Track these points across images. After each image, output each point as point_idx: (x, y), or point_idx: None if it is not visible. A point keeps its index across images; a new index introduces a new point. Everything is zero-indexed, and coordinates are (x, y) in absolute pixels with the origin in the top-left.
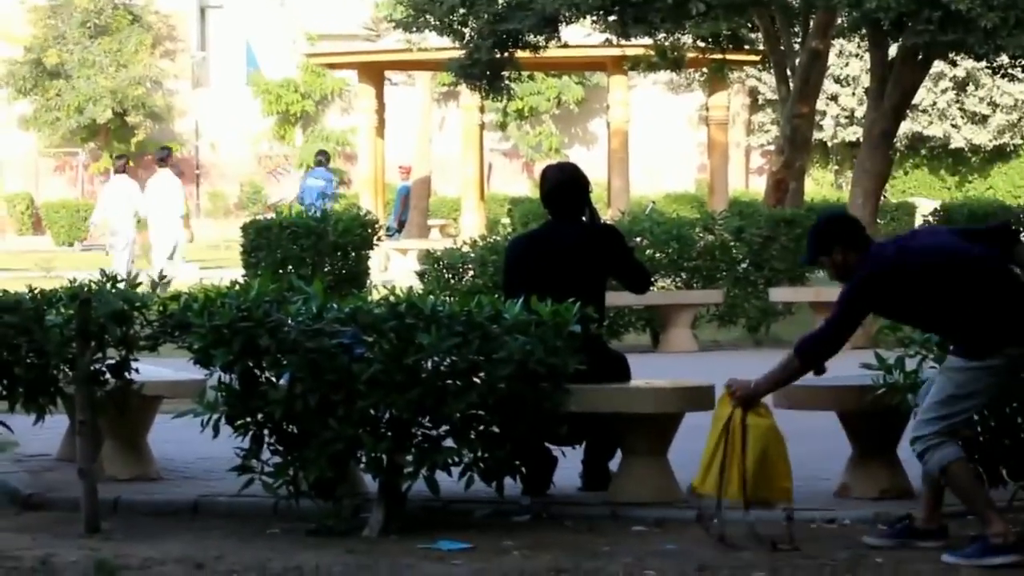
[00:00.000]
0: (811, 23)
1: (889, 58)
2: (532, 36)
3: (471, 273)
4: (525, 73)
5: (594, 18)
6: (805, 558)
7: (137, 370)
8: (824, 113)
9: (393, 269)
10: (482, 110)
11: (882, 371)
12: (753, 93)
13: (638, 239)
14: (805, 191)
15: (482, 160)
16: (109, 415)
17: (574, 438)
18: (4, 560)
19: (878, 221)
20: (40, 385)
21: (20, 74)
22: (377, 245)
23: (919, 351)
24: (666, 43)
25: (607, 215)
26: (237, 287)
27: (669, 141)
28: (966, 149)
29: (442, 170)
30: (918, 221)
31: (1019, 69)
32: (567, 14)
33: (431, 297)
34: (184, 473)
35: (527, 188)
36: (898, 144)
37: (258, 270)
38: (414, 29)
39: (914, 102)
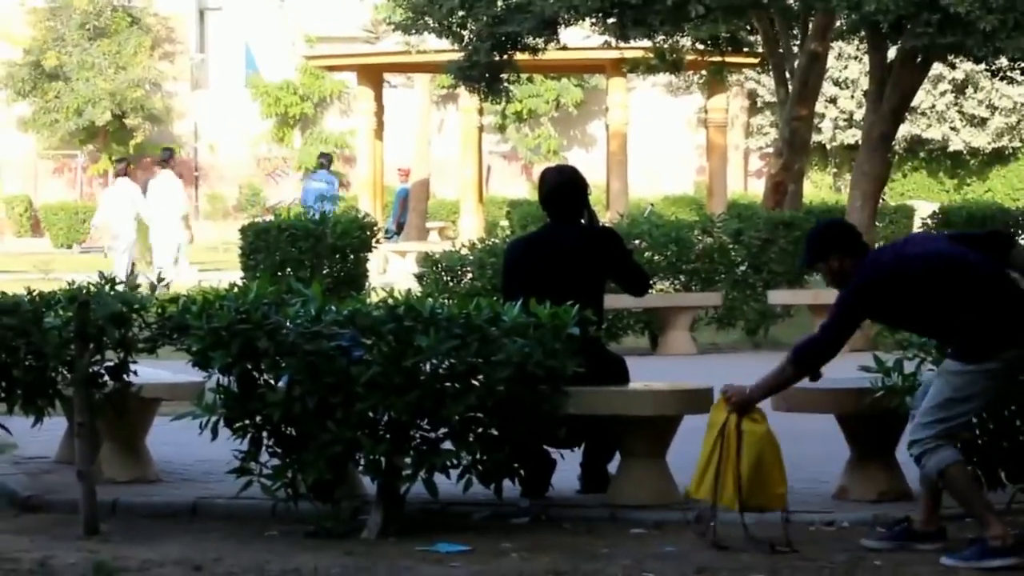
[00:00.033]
0: (810, 25)
1: (888, 61)
2: (531, 38)
3: (470, 275)
4: (524, 75)
5: (593, 20)
6: (804, 560)
7: (136, 372)
8: (823, 116)
9: (392, 271)
10: (481, 112)
11: (880, 374)
12: (752, 96)
13: (637, 241)
14: (804, 194)
15: (481, 162)
16: (108, 417)
17: (573, 440)
18: (3, 562)
19: (876, 224)
20: (39, 387)
21: (19, 76)
22: (376, 247)
23: (917, 354)
24: (665, 45)
25: (606, 217)
26: (236, 289)
27: (668, 143)
28: (965, 152)
29: (441, 172)
30: (917, 224)
31: (1018, 72)
32: (566, 16)
33: (430, 299)
34: (183, 475)
35: (526, 190)
36: (897, 147)
37: (257, 272)
38: (413, 31)
39: (913, 105)
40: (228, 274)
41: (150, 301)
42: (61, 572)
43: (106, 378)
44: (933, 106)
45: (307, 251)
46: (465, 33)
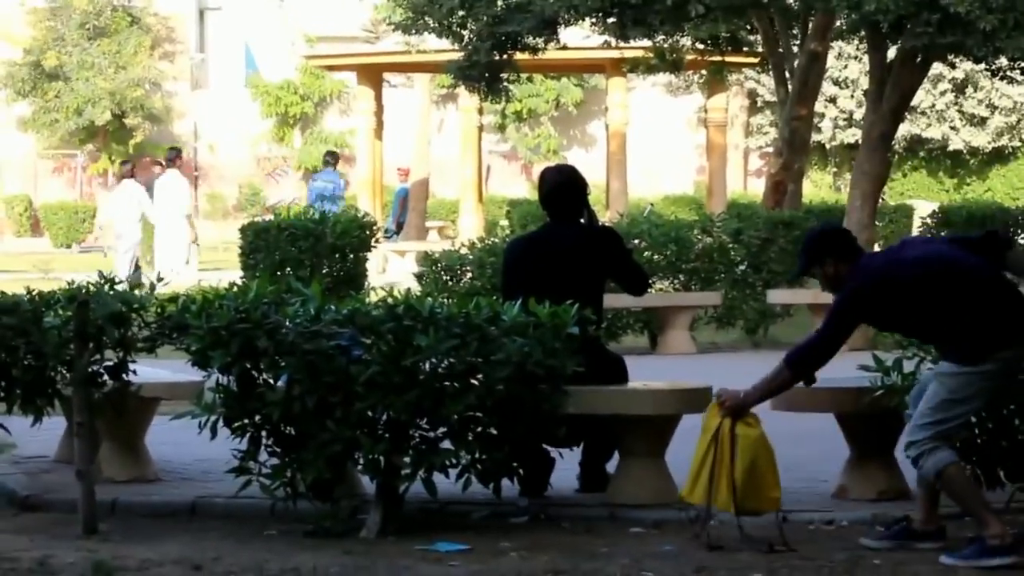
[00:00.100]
0: (810, 25)
1: (888, 60)
2: (531, 38)
3: (469, 275)
4: (524, 75)
5: (593, 20)
6: (803, 559)
7: (135, 372)
8: (823, 115)
9: (391, 271)
10: (481, 112)
11: (880, 373)
12: (752, 95)
13: (636, 241)
14: (803, 193)
15: (480, 162)
16: (107, 417)
17: (572, 440)
18: (2, 561)
19: (876, 223)
20: (38, 387)
21: (19, 76)
22: (375, 247)
23: (917, 353)
24: (665, 45)
25: (605, 217)
26: (235, 289)
27: (668, 143)
28: (965, 151)
29: (440, 172)
30: (916, 223)
31: (1018, 71)
32: (566, 16)
33: (429, 299)
34: (182, 474)
35: (525, 190)
36: (896, 146)
37: (256, 272)
38: (413, 31)
39: (913, 104)
40: (228, 273)
41: (149, 301)
42: (60, 571)
43: (105, 377)
44: (933, 105)
45: (307, 250)
46: (465, 33)
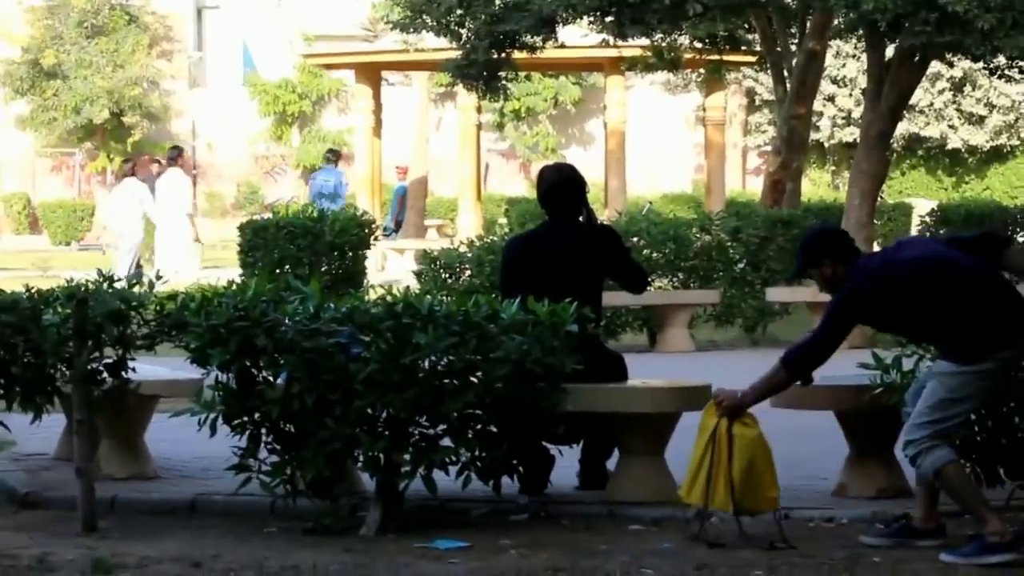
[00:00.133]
0: (808, 24)
1: (886, 59)
2: (529, 37)
3: (468, 273)
4: (522, 74)
5: (591, 19)
6: (803, 557)
7: (134, 369)
8: (821, 114)
9: (390, 269)
10: (479, 110)
11: (879, 370)
12: (750, 94)
13: (635, 239)
14: (802, 192)
15: (479, 160)
16: (106, 414)
17: (571, 437)
18: (2, 558)
19: (875, 222)
20: (37, 384)
21: (17, 74)
22: (374, 245)
23: (916, 351)
24: (663, 44)
25: (604, 215)
26: (234, 287)
27: (666, 142)
28: (963, 150)
29: (439, 170)
30: (915, 222)
31: (1016, 70)
32: (564, 15)
33: (428, 297)
34: (181, 472)
35: (524, 188)
36: (895, 145)
37: (255, 270)
38: (411, 30)
39: (911, 103)
40: (227, 271)
41: (148, 298)
42: (59, 568)
43: (105, 375)
44: (931, 104)
45: (305, 248)
46: (463, 31)
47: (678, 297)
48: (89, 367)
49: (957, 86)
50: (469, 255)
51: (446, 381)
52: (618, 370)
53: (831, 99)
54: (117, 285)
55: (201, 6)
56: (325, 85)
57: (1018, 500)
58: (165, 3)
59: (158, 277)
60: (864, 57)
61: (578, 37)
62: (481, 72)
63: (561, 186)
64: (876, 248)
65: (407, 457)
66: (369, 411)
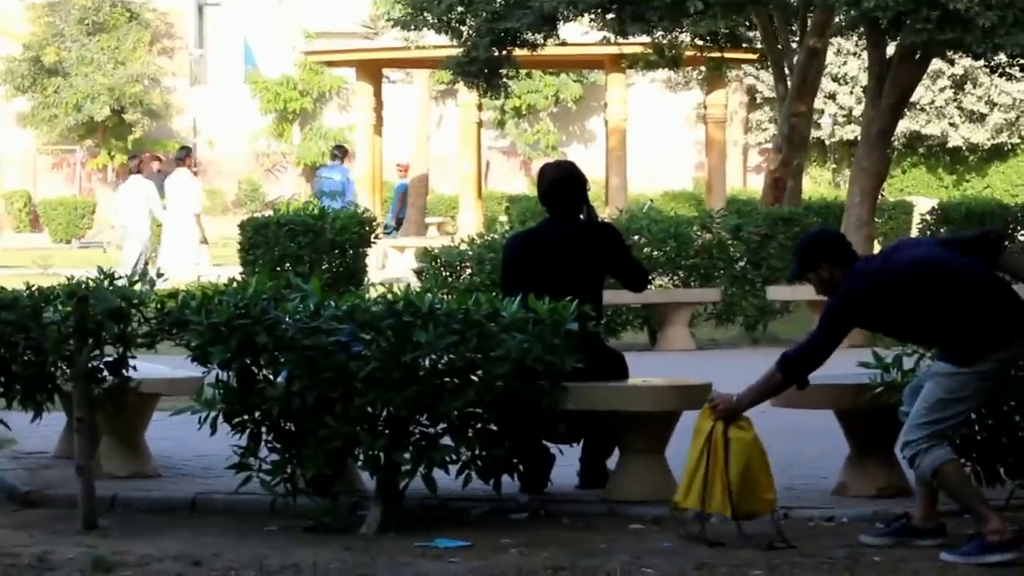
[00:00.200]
0: (809, 21)
1: (887, 56)
2: (530, 34)
3: (469, 271)
4: (523, 71)
5: (592, 16)
6: (803, 556)
7: (135, 367)
8: (822, 111)
9: (391, 267)
10: (480, 108)
11: (879, 369)
12: (751, 91)
13: (636, 237)
14: (803, 189)
15: (480, 158)
16: (106, 412)
17: (572, 436)
18: (2, 557)
19: (876, 220)
20: (38, 382)
21: (18, 71)
22: (374, 243)
23: (916, 350)
24: (664, 41)
25: (605, 213)
26: (235, 285)
27: (667, 139)
28: (964, 148)
29: (440, 168)
30: (916, 220)
31: (1017, 68)
32: (565, 12)
33: (428, 295)
34: (181, 470)
35: (525, 186)
36: (896, 142)
37: (256, 268)
38: (412, 27)
39: (912, 100)
40: (227, 269)
41: (149, 296)
42: (60, 567)
43: (105, 373)
44: (932, 102)
45: (306, 246)
46: (464, 29)
47: (679, 295)
48: (90, 365)
49: (958, 84)
50: (470, 253)
51: (446, 379)
52: (619, 369)
53: (832, 97)
54: (118, 283)
55: (202, 3)
56: (326, 82)
57: (1018, 499)
58: (166, 0)
59: (159, 275)
60: (865, 55)
61: (579, 34)
62: (482, 69)
63: (562, 184)
64: (876, 246)
65: (407, 456)
66: (369, 409)
